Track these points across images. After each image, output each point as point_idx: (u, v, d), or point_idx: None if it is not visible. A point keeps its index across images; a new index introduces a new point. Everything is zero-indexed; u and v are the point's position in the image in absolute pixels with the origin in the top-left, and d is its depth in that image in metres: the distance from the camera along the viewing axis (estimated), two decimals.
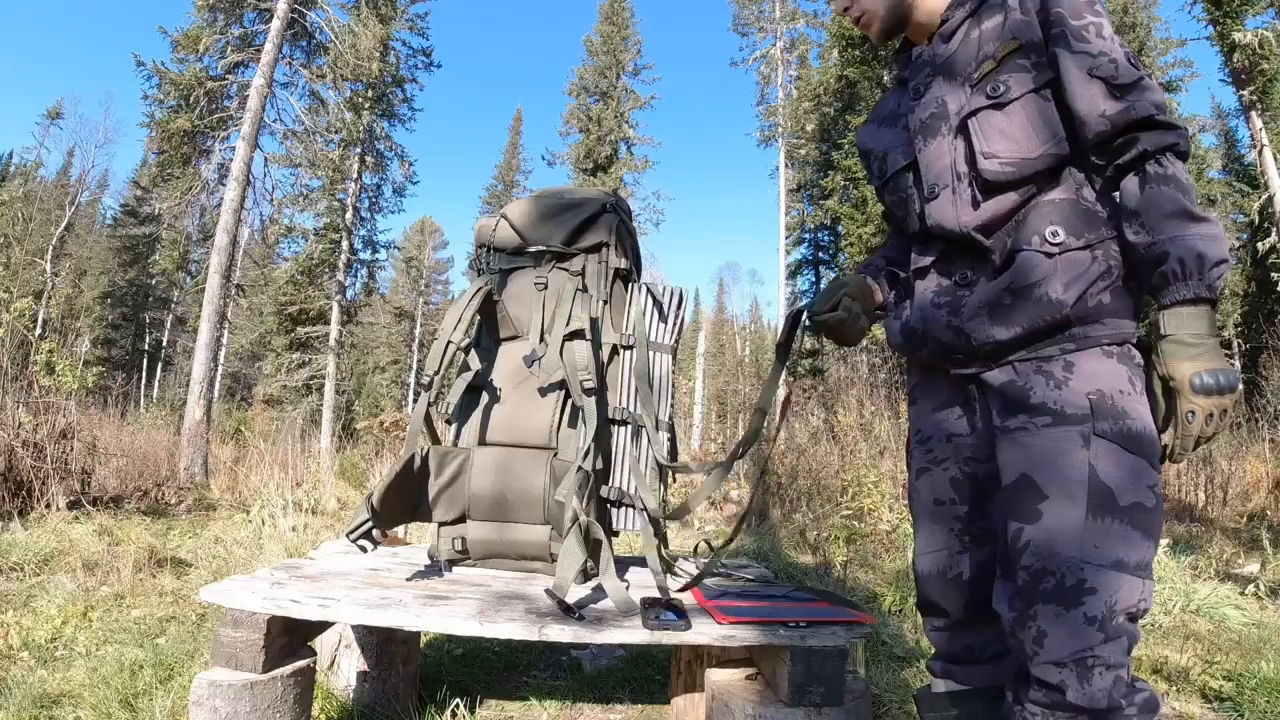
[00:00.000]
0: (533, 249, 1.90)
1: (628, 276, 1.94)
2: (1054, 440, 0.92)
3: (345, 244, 16.10)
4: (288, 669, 1.29)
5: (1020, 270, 0.97)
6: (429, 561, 1.76)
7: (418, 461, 1.67)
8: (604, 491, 1.73)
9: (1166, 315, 0.89)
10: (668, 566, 1.77)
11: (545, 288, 1.88)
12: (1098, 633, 0.86)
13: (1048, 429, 0.93)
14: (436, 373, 1.71)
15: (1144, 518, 0.89)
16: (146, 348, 30.19)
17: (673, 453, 1.89)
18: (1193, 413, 0.87)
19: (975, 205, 1.02)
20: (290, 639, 1.34)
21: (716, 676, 1.37)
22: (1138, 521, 0.88)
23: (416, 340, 29.85)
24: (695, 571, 1.78)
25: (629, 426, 1.80)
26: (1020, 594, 0.93)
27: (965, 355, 1.04)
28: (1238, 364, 20.86)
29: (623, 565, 1.82)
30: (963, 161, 1.03)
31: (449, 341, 1.72)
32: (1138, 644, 0.91)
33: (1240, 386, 0.82)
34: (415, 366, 28.69)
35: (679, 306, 1.93)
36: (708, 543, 1.96)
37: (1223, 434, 0.90)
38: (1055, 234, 0.96)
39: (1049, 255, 0.96)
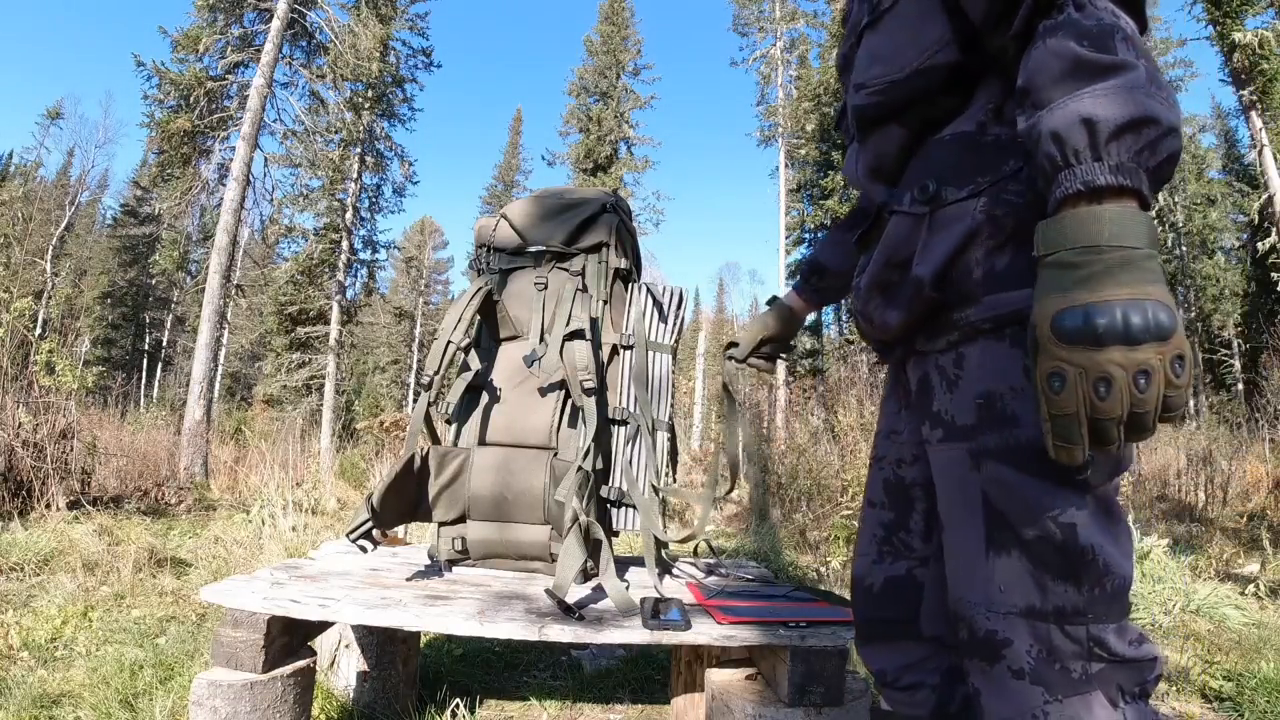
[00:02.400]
0: (533, 249, 1.90)
1: (628, 276, 1.94)
2: (947, 460, 0.75)
3: (345, 244, 16.09)
4: (288, 669, 1.29)
5: (889, 238, 0.79)
6: (429, 561, 1.76)
7: (418, 461, 1.67)
8: (604, 491, 1.73)
9: (1044, 229, 0.59)
10: (665, 569, 1.77)
11: (545, 288, 1.88)
12: (1034, 687, 0.66)
13: (941, 445, 0.75)
14: (436, 373, 1.71)
15: (1051, 554, 0.65)
16: (146, 348, 30.20)
17: (673, 453, 1.89)
18: (1057, 376, 0.55)
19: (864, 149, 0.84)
20: (290, 639, 1.34)
21: (716, 676, 1.37)
22: (1045, 559, 0.66)
23: (416, 340, 29.85)
24: (696, 572, 1.78)
25: (629, 426, 1.80)
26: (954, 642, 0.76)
27: (877, 343, 0.89)
28: (1237, 364, 20.88)
29: (623, 565, 1.82)
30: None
31: (449, 341, 1.72)
32: (1146, 677, 0.68)
33: (1178, 328, 0.54)
34: (415, 366, 28.69)
35: (679, 306, 1.93)
36: (707, 542, 1.96)
37: (1179, 410, 0.55)
38: (926, 188, 0.75)
39: (917, 216, 0.75)
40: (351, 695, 1.69)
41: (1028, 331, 0.60)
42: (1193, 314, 21.76)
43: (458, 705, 1.66)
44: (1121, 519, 0.68)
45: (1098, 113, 0.55)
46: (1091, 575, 0.65)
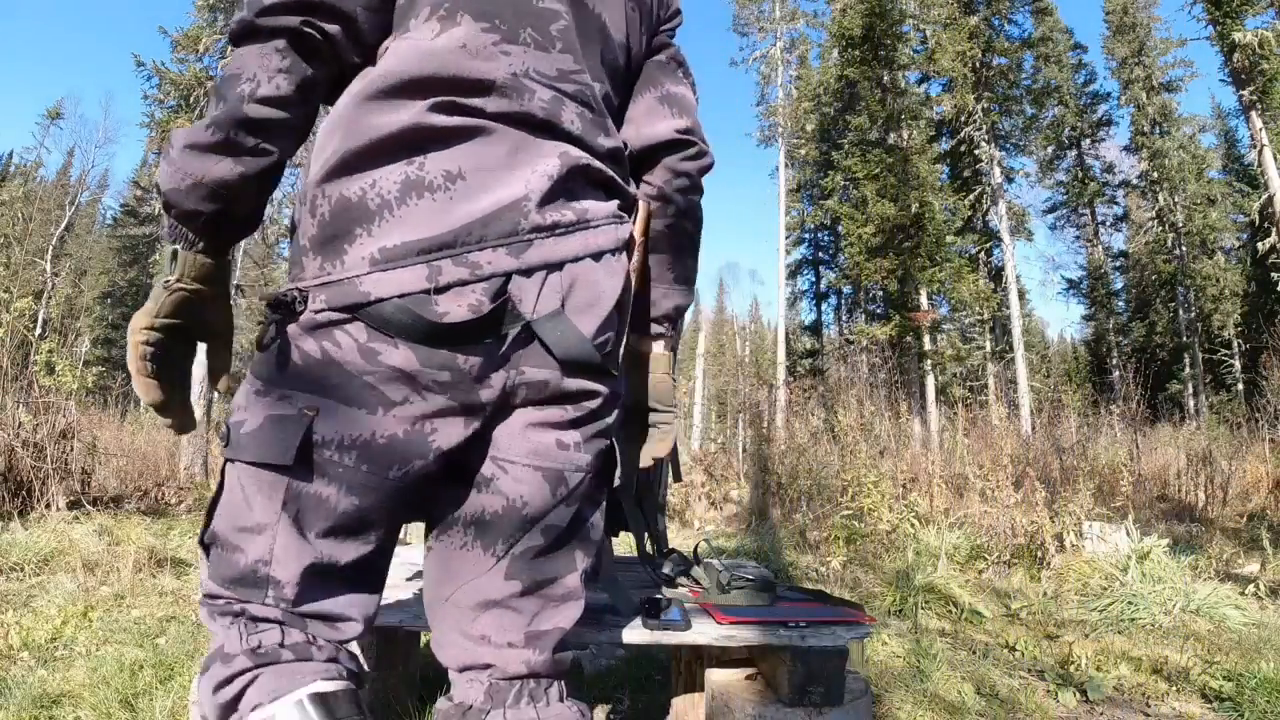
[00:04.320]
0: None
1: None
2: None
3: None
4: None
5: None
6: None
7: None
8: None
9: None
10: (659, 573, 1.76)
11: None
12: None
13: None
14: None
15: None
16: None
17: (673, 453, 1.88)
18: None
19: None
20: None
21: (716, 676, 1.37)
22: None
23: None
24: (696, 574, 1.78)
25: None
26: None
27: None
28: (1237, 364, 20.90)
29: (623, 565, 1.82)
30: None
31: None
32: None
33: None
34: None
35: None
36: (707, 542, 1.96)
37: None
38: None
39: None
40: None
41: None
42: (1193, 314, 21.76)
43: None
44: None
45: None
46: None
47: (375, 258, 0.68)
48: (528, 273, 0.71)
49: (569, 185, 0.77)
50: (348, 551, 0.73)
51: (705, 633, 1.25)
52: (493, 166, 0.72)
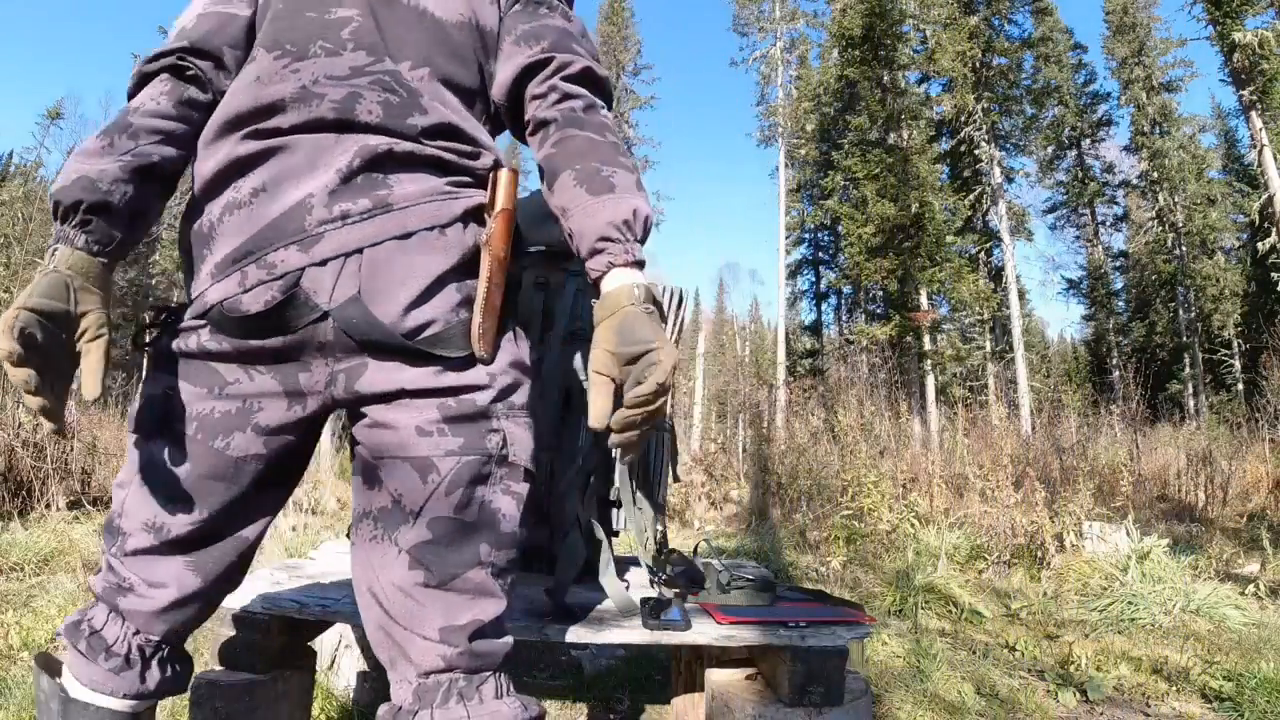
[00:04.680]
0: (533, 249, 1.90)
1: None
2: None
3: None
4: (288, 669, 1.29)
5: None
6: None
7: None
8: (604, 491, 1.73)
9: None
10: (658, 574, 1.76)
11: (545, 287, 1.88)
12: None
13: None
14: None
15: None
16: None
17: (673, 453, 1.89)
18: None
19: None
20: (290, 639, 1.33)
21: (716, 676, 1.37)
22: None
23: None
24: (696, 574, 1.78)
25: None
26: None
27: None
28: (1237, 364, 20.90)
29: (623, 565, 1.82)
30: None
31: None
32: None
33: None
34: None
35: (679, 307, 1.93)
36: (707, 541, 1.96)
37: None
38: None
39: None
40: (351, 695, 1.69)
41: None
42: (1193, 314, 21.76)
43: None
44: None
45: None
46: None
47: (212, 272, 0.79)
48: (322, 264, 0.77)
49: (372, 173, 0.81)
50: (180, 519, 0.82)
51: (705, 633, 1.25)
52: (294, 174, 0.80)
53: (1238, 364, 21.13)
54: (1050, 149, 22.69)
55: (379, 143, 0.81)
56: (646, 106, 22.53)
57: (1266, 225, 16.35)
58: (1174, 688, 2.10)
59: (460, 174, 0.87)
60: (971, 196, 19.74)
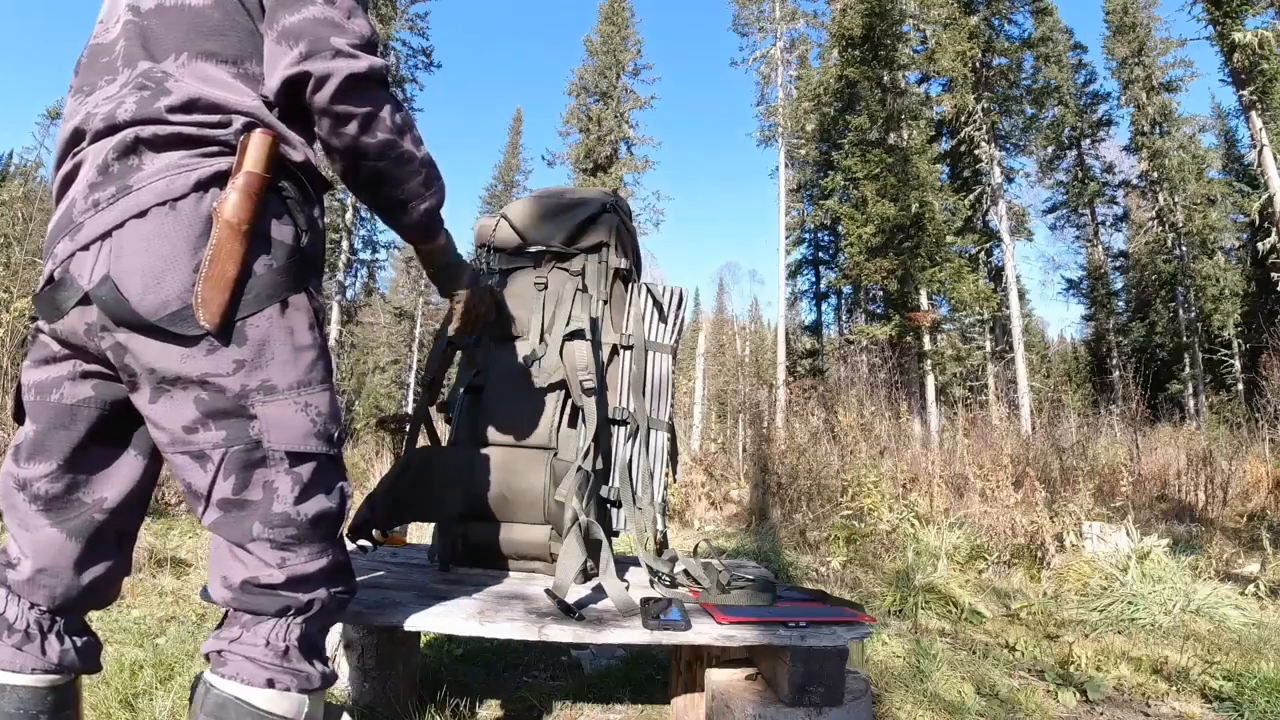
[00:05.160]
0: (533, 249, 1.90)
1: (628, 277, 1.94)
2: None
3: (345, 244, 16.11)
4: None
5: None
6: (429, 561, 1.75)
7: (417, 461, 1.67)
8: (604, 491, 1.73)
9: None
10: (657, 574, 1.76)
11: (545, 288, 1.88)
12: None
13: None
14: (437, 372, 1.71)
15: None
16: None
17: (673, 453, 1.89)
18: None
19: None
20: None
21: (716, 676, 1.37)
22: None
23: (416, 340, 29.84)
24: (696, 574, 1.78)
25: (628, 426, 1.80)
26: None
27: None
28: (1237, 364, 20.90)
29: (623, 565, 1.82)
30: None
31: (449, 341, 1.72)
32: None
33: None
34: (415, 366, 28.68)
35: (679, 307, 1.93)
36: (707, 541, 1.96)
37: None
38: None
39: None
40: (351, 695, 1.69)
41: None
42: (1193, 314, 21.76)
43: (458, 705, 1.65)
44: None
45: None
46: None
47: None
48: (85, 248, 0.85)
49: (126, 160, 0.87)
50: (37, 469, 0.93)
51: (705, 633, 1.25)
52: (77, 178, 0.90)
53: (1238, 364, 21.13)
54: (1050, 149, 22.70)
55: (132, 133, 0.87)
56: (646, 106, 22.53)
57: (1266, 225, 16.35)
58: (1174, 688, 2.10)
59: (207, 145, 0.88)
60: (971, 196, 19.75)
